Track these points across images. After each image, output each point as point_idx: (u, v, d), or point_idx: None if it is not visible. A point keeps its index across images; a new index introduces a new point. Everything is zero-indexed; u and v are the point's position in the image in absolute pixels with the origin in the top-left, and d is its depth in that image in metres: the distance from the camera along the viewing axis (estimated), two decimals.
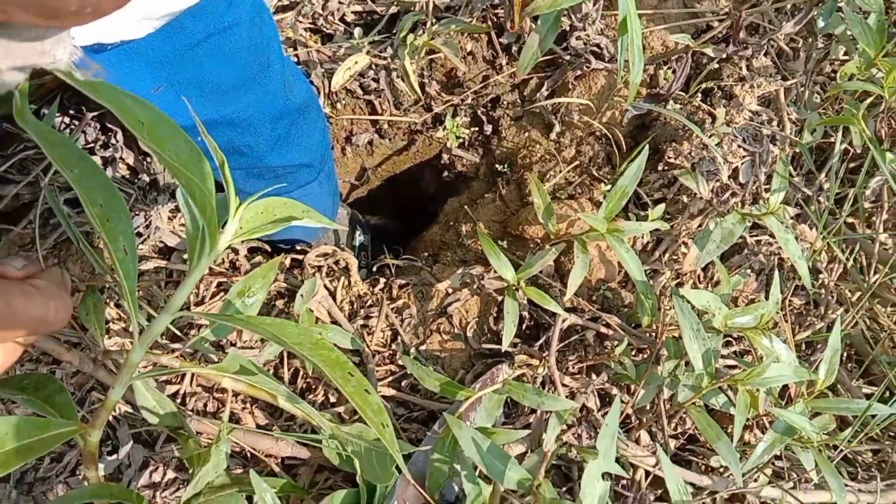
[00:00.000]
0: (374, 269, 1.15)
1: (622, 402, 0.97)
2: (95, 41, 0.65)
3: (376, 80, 1.21)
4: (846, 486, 0.94)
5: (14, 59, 0.45)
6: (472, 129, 1.31)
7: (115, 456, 0.91)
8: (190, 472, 0.80)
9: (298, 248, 1.13)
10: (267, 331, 0.63)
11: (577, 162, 1.18)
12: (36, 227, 0.90)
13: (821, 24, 1.17)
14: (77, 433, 0.69)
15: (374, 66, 1.20)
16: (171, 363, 0.78)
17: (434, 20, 1.13)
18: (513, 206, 1.21)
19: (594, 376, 0.99)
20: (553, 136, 1.22)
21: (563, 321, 0.96)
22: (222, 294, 1.01)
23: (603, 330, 0.98)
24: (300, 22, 1.18)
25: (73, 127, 0.94)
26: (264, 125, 0.86)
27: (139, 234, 0.96)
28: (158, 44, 0.70)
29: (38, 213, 0.91)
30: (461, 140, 1.31)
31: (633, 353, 1.01)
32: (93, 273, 0.92)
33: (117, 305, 0.95)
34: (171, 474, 0.92)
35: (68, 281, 0.71)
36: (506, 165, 1.26)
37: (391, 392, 0.97)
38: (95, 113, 0.95)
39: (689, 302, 0.87)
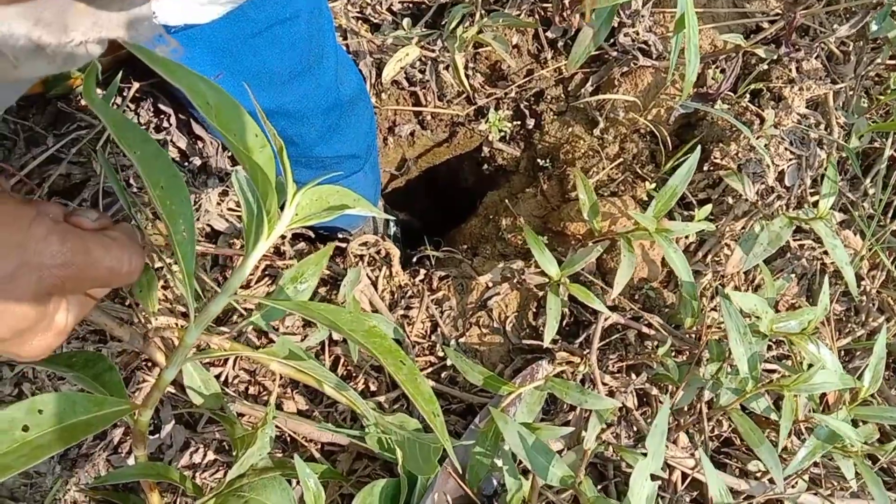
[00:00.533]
0: (414, 259, 1.15)
1: (661, 403, 0.97)
2: (161, 22, 0.66)
3: (422, 72, 1.21)
4: None
5: (101, 30, 0.45)
6: (515, 122, 1.31)
7: (156, 436, 0.93)
8: (234, 453, 0.81)
9: (340, 236, 1.14)
10: (323, 316, 0.64)
11: (621, 159, 1.18)
12: (100, 200, 0.91)
13: (874, 27, 1.15)
14: (130, 411, 0.70)
15: (421, 58, 1.20)
16: (222, 344, 0.79)
17: (483, 13, 1.13)
18: (554, 202, 1.21)
19: (634, 376, 0.98)
20: (597, 132, 1.21)
21: (606, 319, 0.96)
22: (267, 279, 1.02)
23: (644, 330, 0.98)
24: (348, 10, 1.18)
25: (125, 109, 0.95)
26: (316, 116, 0.87)
27: None
28: (221, 31, 0.70)
29: (100, 188, 0.92)
30: (503, 133, 1.31)
31: (674, 354, 1.00)
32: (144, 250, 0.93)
33: (164, 287, 0.96)
34: (211, 456, 0.93)
35: (138, 237, 0.72)
36: (547, 160, 1.25)
37: (430, 383, 0.97)
38: (146, 82, 0.96)
39: (735, 304, 0.86)
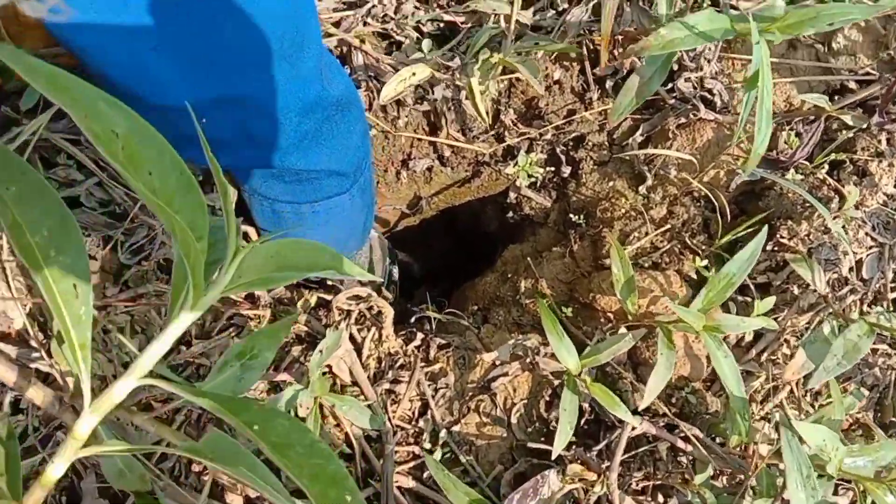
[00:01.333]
0: (413, 319, 0.98)
1: None
2: None
3: (444, 100, 1.04)
4: None
5: None
6: (548, 168, 1.14)
7: None
8: None
9: (329, 282, 0.97)
10: (244, 423, 0.47)
11: (668, 225, 1.00)
12: None
13: None
14: None
15: (441, 83, 1.03)
16: (147, 426, 0.62)
17: (515, 38, 0.97)
18: (584, 267, 1.03)
19: (662, 498, 0.80)
20: (643, 189, 1.03)
21: (632, 429, 0.78)
22: (232, 329, 0.86)
23: (679, 444, 0.80)
24: (368, 25, 1.03)
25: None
26: (289, 115, 0.68)
27: (141, 249, 0.81)
28: None
29: None
30: (533, 179, 1.14)
31: (713, 473, 0.82)
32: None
33: (105, 330, 0.80)
34: None
35: None
36: (581, 216, 1.08)
37: (411, 483, 0.79)
38: None
39: (800, 438, 0.68)
